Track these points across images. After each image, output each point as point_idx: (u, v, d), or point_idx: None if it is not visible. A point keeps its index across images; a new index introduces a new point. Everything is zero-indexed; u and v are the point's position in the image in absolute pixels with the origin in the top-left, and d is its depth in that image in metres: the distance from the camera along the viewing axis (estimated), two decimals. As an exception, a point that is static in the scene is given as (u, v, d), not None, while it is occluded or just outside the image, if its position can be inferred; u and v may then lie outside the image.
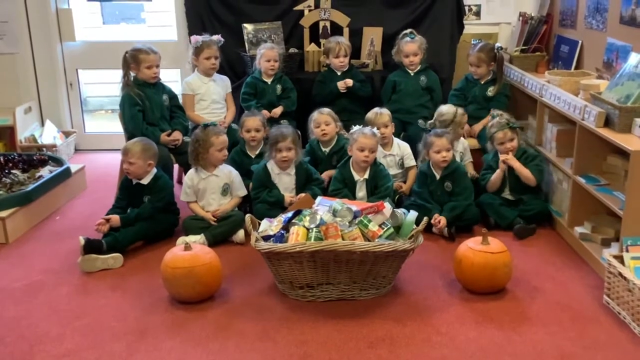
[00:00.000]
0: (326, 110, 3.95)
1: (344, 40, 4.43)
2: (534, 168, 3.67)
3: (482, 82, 4.29)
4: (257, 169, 3.67)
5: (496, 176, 3.68)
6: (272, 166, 3.64)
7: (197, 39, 4.23)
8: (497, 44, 4.36)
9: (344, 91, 4.29)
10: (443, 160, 3.58)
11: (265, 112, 4.18)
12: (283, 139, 3.55)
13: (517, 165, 3.64)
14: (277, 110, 4.26)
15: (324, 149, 3.95)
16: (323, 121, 3.89)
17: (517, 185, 3.67)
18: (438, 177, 3.64)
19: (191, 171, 3.60)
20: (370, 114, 3.91)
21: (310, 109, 4.06)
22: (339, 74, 4.38)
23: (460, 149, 3.99)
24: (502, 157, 3.65)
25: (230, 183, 3.60)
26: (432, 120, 4.00)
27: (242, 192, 3.64)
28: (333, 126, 3.90)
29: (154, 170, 3.52)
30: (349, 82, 4.30)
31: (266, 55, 4.26)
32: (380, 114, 3.89)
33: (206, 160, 3.54)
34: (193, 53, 4.23)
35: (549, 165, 3.81)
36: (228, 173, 3.60)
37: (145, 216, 3.43)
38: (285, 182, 3.64)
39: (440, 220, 3.48)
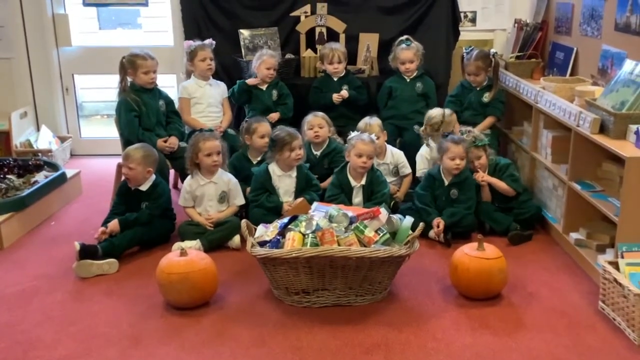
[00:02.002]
0: (320, 113, 3.97)
1: (339, 46, 4.43)
2: (508, 179, 3.67)
3: (478, 89, 4.30)
4: (258, 171, 3.66)
5: (484, 191, 3.69)
6: (274, 168, 3.63)
7: (189, 43, 4.25)
8: (492, 50, 4.38)
9: (339, 103, 4.30)
10: (456, 167, 3.57)
11: (253, 79, 4.22)
12: (295, 138, 3.57)
13: (492, 181, 3.66)
14: (274, 116, 4.26)
15: (315, 152, 3.97)
16: (317, 124, 3.91)
17: (501, 195, 3.69)
18: (446, 183, 3.64)
19: (190, 177, 3.60)
20: (360, 124, 3.90)
21: (306, 115, 4.07)
22: (335, 79, 4.39)
23: None
24: (476, 177, 3.65)
25: (228, 191, 3.60)
26: (423, 127, 4.01)
27: (240, 201, 3.63)
28: (326, 130, 3.92)
29: (153, 176, 3.51)
30: (345, 94, 4.30)
31: (267, 63, 4.26)
32: (370, 124, 3.87)
33: (199, 166, 3.54)
34: (187, 59, 4.24)
35: (544, 171, 3.83)
36: (227, 181, 3.60)
37: (142, 222, 3.42)
38: (286, 184, 3.63)
39: (439, 224, 3.49)
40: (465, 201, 3.60)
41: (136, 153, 3.45)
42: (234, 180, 3.62)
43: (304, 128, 3.94)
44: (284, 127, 3.68)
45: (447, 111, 4.01)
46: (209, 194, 3.57)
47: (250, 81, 4.27)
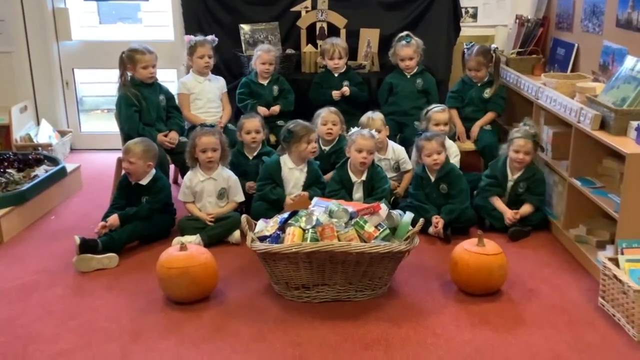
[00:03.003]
0: (335, 109, 3.95)
1: (340, 41, 4.42)
2: (536, 199, 3.61)
3: (479, 84, 4.30)
4: (269, 162, 3.66)
5: (499, 207, 3.63)
6: (285, 161, 3.62)
7: (190, 38, 4.24)
8: (493, 45, 4.38)
9: (338, 99, 4.28)
10: (434, 163, 3.58)
11: (263, 109, 4.19)
12: (312, 131, 3.59)
13: (522, 214, 3.58)
14: (276, 108, 4.26)
15: (324, 148, 3.97)
16: (331, 120, 3.90)
17: (516, 206, 3.65)
18: (433, 179, 3.64)
19: (190, 172, 3.60)
20: (363, 119, 3.90)
21: (307, 110, 4.06)
22: (335, 75, 4.38)
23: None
24: (509, 218, 3.55)
25: (227, 188, 3.60)
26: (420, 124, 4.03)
27: (240, 197, 3.63)
28: (339, 127, 3.92)
29: (153, 171, 3.51)
30: (346, 91, 4.28)
31: (262, 58, 4.26)
32: (373, 118, 3.87)
33: (198, 160, 3.55)
34: (187, 53, 4.24)
35: (544, 167, 3.83)
36: (227, 178, 3.59)
37: (142, 216, 3.42)
38: (296, 177, 3.63)
39: (438, 222, 3.49)
40: (457, 195, 3.59)
41: (136, 147, 3.45)
42: (234, 177, 3.62)
43: (317, 122, 3.92)
44: (300, 121, 3.67)
45: (437, 107, 3.97)
46: (208, 190, 3.57)
47: (261, 110, 4.19)
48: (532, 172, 3.67)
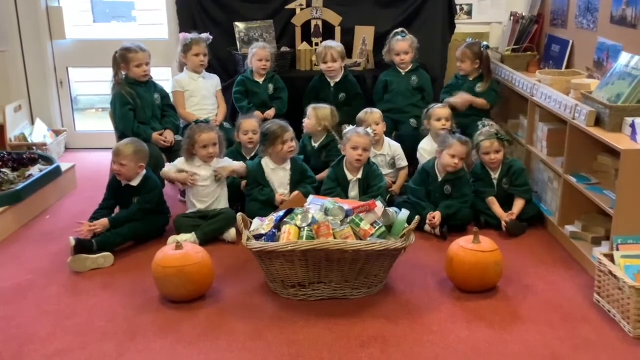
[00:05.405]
0: (322, 111, 3.92)
1: (335, 45, 4.29)
2: (521, 191, 3.64)
3: (471, 79, 4.32)
4: (251, 165, 3.67)
5: (495, 211, 3.62)
6: (267, 162, 3.63)
7: (185, 36, 4.24)
8: (484, 43, 4.37)
9: None
10: (454, 166, 3.56)
11: (258, 113, 4.17)
12: (287, 131, 3.59)
13: (516, 213, 3.58)
14: (271, 112, 4.25)
15: (313, 144, 3.98)
16: (309, 115, 3.92)
17: (507, 204, 3.66)
18: (440, 179, 3.63)
19: (186, 163, 3.58)
20: (361, 114, 3.93)
21: (302, 109, 4.05)
22: (332, 85, 4.31)
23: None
24: (504, 219, 3.54)
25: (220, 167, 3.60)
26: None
27: (236, 163, 3.64)
28: (312, 122, 3.92)
29: (144, 171, 3.49)
30: None
31: (258, 55, 4.26)
32: (371, 112, 3.91)
33: (195, 156, 3.55)
34: (182, 50, 4.23)
35: (540, 164, 3.83)
36: (220, 162, 3.60)
37: (134, 218, 3.40)
38: (280, 177, 3.63)
39: (435, 216, 3.49)
40: (459, 197, 3.60)
41: (127, 149, 3.41)
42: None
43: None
44: (276, 121, 3.69)
45: (437, 104, 4.03)
46: (203, 175, 3.55)
47: (256, 114, 4.16)
48: (507, 166, 3.70)
